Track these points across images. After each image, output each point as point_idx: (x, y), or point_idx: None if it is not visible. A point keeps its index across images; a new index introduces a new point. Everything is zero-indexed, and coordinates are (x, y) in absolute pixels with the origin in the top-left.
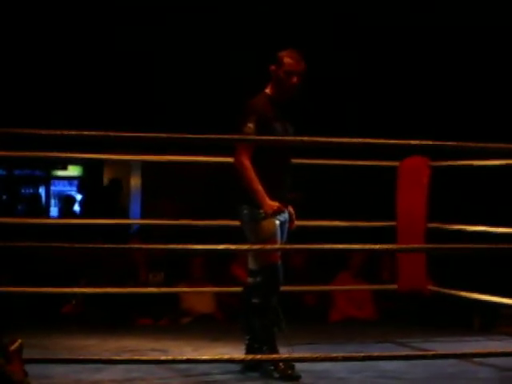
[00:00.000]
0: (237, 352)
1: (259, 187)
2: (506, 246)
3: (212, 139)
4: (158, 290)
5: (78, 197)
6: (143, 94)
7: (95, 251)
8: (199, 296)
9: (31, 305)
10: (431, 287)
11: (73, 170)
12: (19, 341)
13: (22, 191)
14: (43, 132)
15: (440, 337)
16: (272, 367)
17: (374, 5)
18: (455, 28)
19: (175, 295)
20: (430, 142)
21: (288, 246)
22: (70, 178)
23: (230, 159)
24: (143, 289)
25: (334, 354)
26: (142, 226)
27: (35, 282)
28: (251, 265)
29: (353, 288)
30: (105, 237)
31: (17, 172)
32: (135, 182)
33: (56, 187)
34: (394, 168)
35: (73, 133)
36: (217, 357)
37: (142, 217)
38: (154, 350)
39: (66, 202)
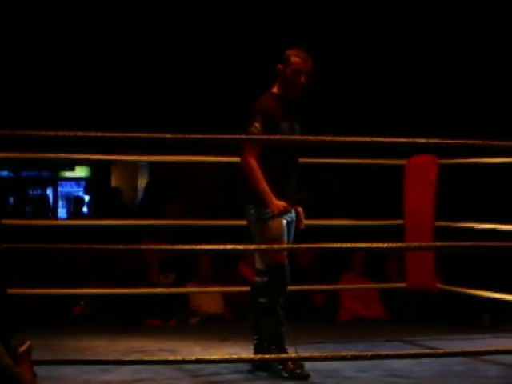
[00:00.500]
0: (245, 352)
1: (266, 187)
2: None
3: (218, 139)
4: (166, 291)
5: (86, 198)
6: (150, 94)
7: (103, 252)
8: (207, 296)
9: (40, 306)
10: (440, 285)
11: (80, 171)
12: (28, 342)
13: (30, 192)
14: (50, 133)
15: (448, 335)
16: (281, 366)
17: (383, 3)
18: (460, 25)
19: (184, 296)
20: (437, 140)
21: (295, 246)
22: (77, 179)
23: (237, 159)
24: (151, 289)
25: (343, 353)
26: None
27: (44, 284)
28: (258, 264)
29: (361, 287)
30: (114, 238)
31: (24, 173)
32: (143, 182)
33: (63, 188)
34: (401, 166)
35: (79, 134)
36: (226, 357)
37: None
38: (162, 350)
39: (76, 203)
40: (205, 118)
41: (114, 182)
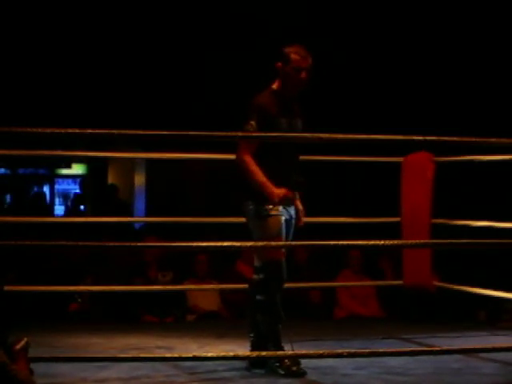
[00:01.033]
0: (242, 349)
1: (263, 178)
2: (510, 241)
3: (213, 136)
4: (162, 288)
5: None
6: (146, 91)
7: (99, 249)
8: (204, 293)
9: (37, 303)
10: (436, 283)
11: (77, 169)
12: (25, 339)
13: (27, 190)
14: (47, 130)
15: (445, 332)
16: (277, 364)
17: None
18: (456, 23)
19: (182, 293)
20: (434, 138)
21: (292, 243)
22: (74, 177)
23: (233, 156)
24: (148, 287)
25: (340, 351)
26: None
27: (41, 281)
28: (256, 262)
29: (358, 284)
30: (111, 234)
31: (21, 171)
32: (139, 179)
33: (60, 185)
34: (398, 164)
35: (76, 131)
36: (222, 354)
37: (147, 214)
38: (159, 347)
39: (74, 200)
40: (203, 115)
41: (110, 179)
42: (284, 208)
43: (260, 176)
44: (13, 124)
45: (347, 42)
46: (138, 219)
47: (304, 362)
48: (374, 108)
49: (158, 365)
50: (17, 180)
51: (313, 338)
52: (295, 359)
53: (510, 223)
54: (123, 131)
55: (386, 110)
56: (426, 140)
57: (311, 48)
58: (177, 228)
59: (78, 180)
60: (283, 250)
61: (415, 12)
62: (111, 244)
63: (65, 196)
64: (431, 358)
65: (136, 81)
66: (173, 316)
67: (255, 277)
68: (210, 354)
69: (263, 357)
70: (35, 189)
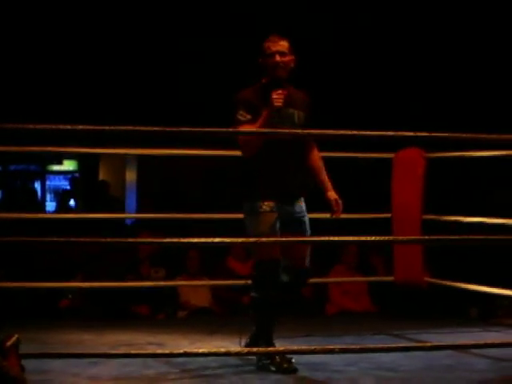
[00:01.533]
0: (234, 345)
1: (256, 123)
2: (501, 237)
3: (205, 132)
4: (153, 284)
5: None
6: (140, 87)
7: (90, 245)
8: (196, 290)
9: (28, 300)
10: (428, 279)
11: (68, 165)
12: (16, 336)
13: (18, 186)
14: (38, 126)
15: (436, 328)
16: (268, 361)
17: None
18: (445, 18)
19: (174, 290)
20: (425, 134)
21: (283, 239)
22: (65, 173)
23: (226, 152)
24: (139, 283)
25: (331, 346)
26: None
27: (32, 277)
28: (252, 259)
29: (349, 280)
30: (102, 230)
31: (12, 167)
32: (131, 175)
33: (51, 182)
34: (388, 160)
35: (68, 127)
36: (214, 350)
37: (138, 210)
38: (150, 343)
39: (64, 196)
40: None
41: (101, 176)
42: (280, 205)
43: (255, 126)
44: (4, 120)
45: (338, 38)
46: (130, 215)
47: (295, 358)
48: (365, 104)
49: (149, 361)
50: (7, 176)
51: (304, 333)
52: (286, 356)
53: (500, 219)
54: (115, 127)
55: (377, 105)
56: (416, 136)
57: (305, 41)
58: (169, 224)
59: (69, 176)
60: (278, 248)
61: (406, 6)
62: (102, 240)
63: (56, 192)
64: (423, 353)
65: (130, 76)
66: (164, 312)
67: (253, 274)
68: (201, 350)
69: (254, 353)
70: (26, 185)
